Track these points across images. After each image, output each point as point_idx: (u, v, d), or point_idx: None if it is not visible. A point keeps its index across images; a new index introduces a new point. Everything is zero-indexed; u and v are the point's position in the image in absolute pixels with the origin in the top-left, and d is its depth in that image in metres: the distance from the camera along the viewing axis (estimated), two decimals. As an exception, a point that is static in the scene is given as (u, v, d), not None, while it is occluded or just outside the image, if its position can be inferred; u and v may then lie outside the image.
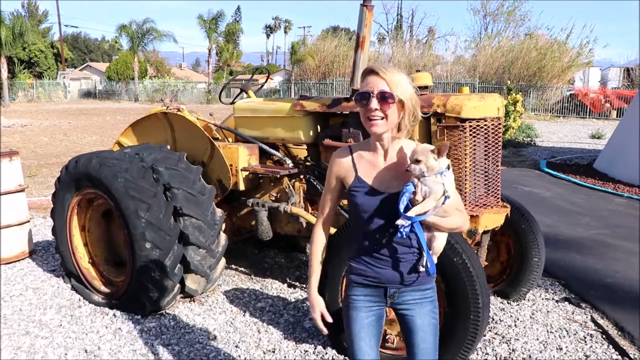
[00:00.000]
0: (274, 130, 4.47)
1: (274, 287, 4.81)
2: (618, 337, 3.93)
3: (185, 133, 4.67)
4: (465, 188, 3.53)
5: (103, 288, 4.45)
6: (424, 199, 1.97)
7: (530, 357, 3.61)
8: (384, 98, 1.99)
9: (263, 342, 3.79)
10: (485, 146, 3.64)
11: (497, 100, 3.73)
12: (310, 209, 4.50)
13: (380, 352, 3.34)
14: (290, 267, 5.37)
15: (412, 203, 1.99)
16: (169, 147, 4.63)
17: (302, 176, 4.49)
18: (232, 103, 4.93)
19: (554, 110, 30.66)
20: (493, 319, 4.14)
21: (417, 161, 1.95)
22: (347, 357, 3.51)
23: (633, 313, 4.32)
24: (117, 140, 5.08)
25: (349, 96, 4.08)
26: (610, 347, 3.79)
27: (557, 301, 4.57)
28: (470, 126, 3.50)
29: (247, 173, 4.46)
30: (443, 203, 1.98)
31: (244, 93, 5.33)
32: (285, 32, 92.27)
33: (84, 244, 4.58)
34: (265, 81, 5.85)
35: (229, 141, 4.93)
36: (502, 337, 3.88)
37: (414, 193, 1.98)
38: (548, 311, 4.36)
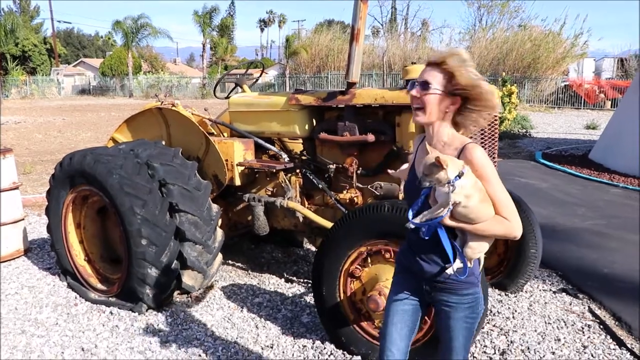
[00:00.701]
0: (270, 124, 4.45)
1: (271, 282, 4.79)
2: (615, 327, 3.93)
3: (180, 128, 4.63)
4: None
5: (99, 285, 4.43)
6: (436, 203, 1.98)
7: (528, 348, 3.61)
8: (423, 87, 1.99)
9: (261, 338, 3.78)
10: (482, 138, 3.63)
11: (494, 92, 3.72)
12: (306, 203, 4.48)
13: (378, 345, 3.35)
14: (287, 262, 5.36)
15: (430, 205, 2.01)
16: (163, 142, 4.59)
17: (298, 170, 4.47)
18: (227, 98, 4.90)
19: (548, 102, 30.70)
20: (491, 311, 4.15)
21: (425, 175, 1.94)
22: (345, 353, 3.50)
23: (630, 303, 4.33)
24: (111, 136, 5.04)
25: (344, 89, 4.05)
26: (608, 337, 3.80)
27: (554, 292, 4.58)
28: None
29: (242, 168, 4.44)
30: (446, 213, 1.94)
31: (238, 87, 5.30)
32: (280, 26, 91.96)
33: (80, 241, 4.55)
34: (260, 75, 5.82)
35: (224, 136, 4.90)
36: (501, 329, 3.89)
37: (428, 196, 2.00)
38: (546, 302, 4.37)
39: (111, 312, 4.15)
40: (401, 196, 3.84)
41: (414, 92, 2.01)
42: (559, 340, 3.74)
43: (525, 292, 4.55)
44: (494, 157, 3.75)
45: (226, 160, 4.38)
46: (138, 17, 42.63)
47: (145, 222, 3.83)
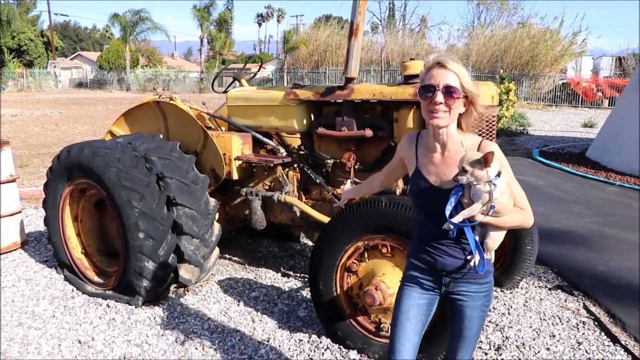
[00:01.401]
0: (268, 119, 4.45)
1: (268, 277, 4.80)
2: (610, 324, 3.96)
3: (178, 122, 4.63)
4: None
5: (96, 278, 4.43)
6: (472, 202, 1.96)
7: (523, 344, 3.63)
8: (450, 92, 1.99)
9: (257, 332, 3.79)
10: (480, 135, 3.63)
11: (492, 88, 3.73)
12: (304, 198, 4.49)
13: (374, 340, 3.38)
14: (284, 257, 5.37)
15: (461, 205, 2.00)
16: (161, 136, 4.59)
17: (295, 165, 4.48)
18: (225, 92, 4.90)
19: (546, 99, 30.70)
20: (486, 307, 4.16)
21: (464, 170, 1.93)
22: (341, 347, 3.52)
23: (625, 300, 4.35)
24: (109, 129, 5.04)
25: (342, 85, 4.06)
26: (602, 333, 3.82)
27: (550, 289, 4.60)
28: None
29: (240, 162, 4.44)
30: (488, 212, 1.96)
31: (236, 82, 5.29)
32: (278, 20, 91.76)
33: (77, 234, 4.55)
34: (258, 70, 5.81)
35: (222, 130, 4.90)
36: (496, 325, 3.91)
37: (462, 195, 1.99)
38: (541, 299, 4.39)
39: (108, 305, 4.16)
40: (398, 191, 3.85)
41: (440, 98, 1.99)
42: (554, 336, 3.76)
43: (521, 288, 4.57)
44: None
45: (224, 154, 4.39)
46: (138, 11, 42.43)
47: (142, 216, 3.83)
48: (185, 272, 4.15)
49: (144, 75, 45.37)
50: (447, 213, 1.97)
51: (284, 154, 4.44)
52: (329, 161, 4.22)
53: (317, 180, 4.27)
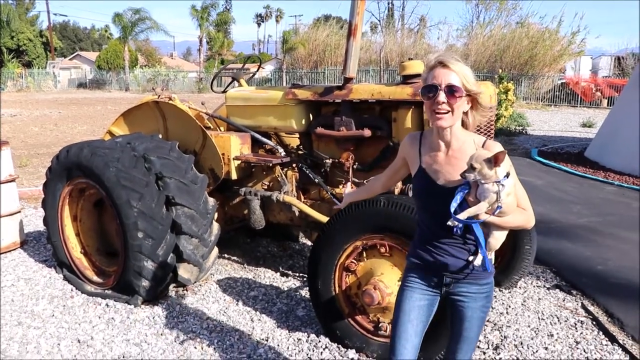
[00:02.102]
0: (266, 119, 4.46)
1: (267, 276, 4.81)
2: (608, 323, 3.97)
3: (177, 122, 4.64)
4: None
5: (95, 278, 4.44)
6: (477, 201, 1.96)
7: (521, 343, 3.64)
8: (452, 91, 1.99)
9: (256, 331, 3.80)
10: (478, 134, 3.64)
11: (490, 88, 3.73)
12: (302, 197, 4.50)
13: (373, 339, 3.39)
14: (282, 256, 5.38)
15: (466, 203, 1.99)
16: (160, 136, 4.60)
17: (294, 165, 4.48)
18: (224, 92, 4.91)
19: (545, 99, 30.71)
20: (485, 306, 4.17)
21: (473, 168, 1.92)
22: (339, 346, 3.52)
23: (623, 300, 4.36)
24: (108, 129, 5.04)
25: (341, 84, 4.07)
26: (600, 333, 3.83)
27: (548, 288, 4.61)
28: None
29: (239, 162, 4.45)
30: (494, 212, 1.97)
31: (235, 82, 5.30)
32: (277, 20, 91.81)
33: (76, 234, 4.56)
34: (257, 70, 5.82)
35: (221, 130, 4.91)
36: (494, 324, 3.92)
37: (468, 194, 1.98)
38: (539, 298, 4.40)
39: (107, 305, 4.16)
40: (397, 191, 3.86)
41: (442, 98, 1.99)
42: (552, 335, 3.77)
43: (519, 288, 4.58)
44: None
45: (223, 154, 4.39)
46: (137, 10, 42.38)
47: (141, 215, 3.84)
48: (184, 271, 4.16)
49: (143, 75, 45.33)
50: (452, 209, 1.97)
51: (283, 153, 4.45)
52: (327, 161, 4.23)
53: (316, 180, 4.27)
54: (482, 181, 1.93)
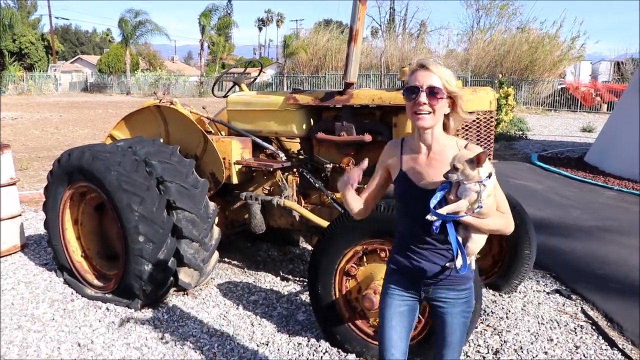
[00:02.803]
0: (267, 123, 4.47)
1: (267, 280, 4.82)
2: (607, 328, 3.97)
3: (179, 126, 4.65)
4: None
5: (96, 281, 4.45)
6: (458, 199, 1.98)
7: (521, 348, 3.65)
8: (433, 93, 2.01)
9: (256, 335, 3.81)
10: (478, 139, 3.66)
11: (490, 93, 3.75)
12: (303, 202, 4.51)
13: (372, 343, 3.39)
14: (283, 260, 5.38)
15: (446, 201, 2.00)
16: (162, 140, 4.61)
17: (295, 170, 4.50)
18: (225, 96, 4.93)
19: (545, 104, 30.77)
20: (485, 311, 4.18)
21: (455, 169, 1.95)
22: (340, 350, 3.53)
23: (622, 304, 4.37)
24: (109, 133, 5.06)
25: (342, 89, 4.08)
26: (600, 337, 3.83)
27: (548, 293, 4.62)
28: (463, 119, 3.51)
29: (240, 166, 4.46)
30: (474, 211, 1.99)
31: (236, 86, 5.32)
32: (278, 25, 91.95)
33: (77, 237, 4.57)
34: (258, 74, 5.83)
35: (222, 135, 4.92)
36: (494, 329, 3.92)
37: (449, 192, 2.00)
38: (539, 303, 4.40)
39: (107, 309, 4.17)
40: None
41: (423, 99, 2.02)
42: (552, 340, 3.77)
43: (519, 292, 4.59)
44: (489, 159, 3.77)
45: (224, 158, 4.40)
46: (136, 14, 42.47)
47: (142, 219, 3.85)
48: (185, 275, 4.17)
49: (144, 79, 45.39)
50: (432, 205, 1.98)
51: (284, 158, 4.46)
52: (328, 166, 4.24)
53: (317, 185, 4.28)
54: (465, 181, 1.95)
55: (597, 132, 14.68)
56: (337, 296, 3.49)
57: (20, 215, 5.62)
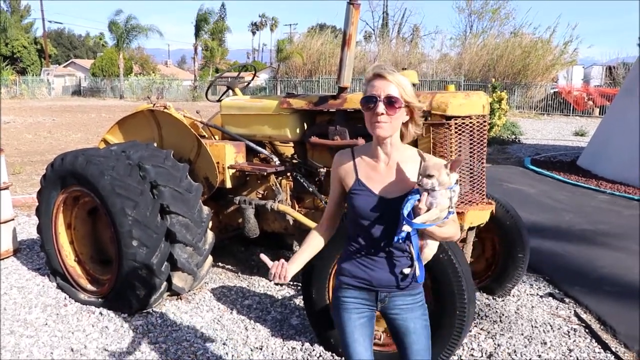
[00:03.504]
0: (261, 127, 4.48)
1: (261, 285, 4.81)
2: (601, 331, 3.99)
3: (172, 130, 4.65)
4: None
5: (89, 286, 4.43)
6: (428, 209, 1.96)
7: (515, 351, 3.66)
8: (391, 102, 1.98)
9: (250, 339, 3.80)
10: (471, 144, 3.67)
11: (483, 97, 3.77)
12: (297, 206, 4.51)
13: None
14: (277, 265, 5.36)
15: (414, 211, 1.98)
16: (155, 144, 4.61)
17: (289, 174, 4.50)
18: (219, 101, 4.93)
19: (538, 108, 30.94)
20: (478, 315, 4.19)
21: (430, 176, 1.94)
22: (334, 354, 3.53)
23: (615, 307, 4.39)
24: (103, 137, 5.05)
25: (335, 94, 4.09)
26: (593, 341, 3.85)
27: (541, 296, 4.63)
28: (456, 124, 3.53)
29: (234, 171, 4.46)
30: (446, 217, 1.99)
31: (230, 91, 5.32)
32: (272, 29, 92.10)
33: (70, 242, 4.55)
34: (252, 79, 5.84)
35: (215, 139, 4.92)
36: (488, 333, 3.93)
37: (419, 201, 1.97)
38: (532, 306, 4.42)
39: (101, 313, 4.15)
40: None
41: (381, 109, 1.99)
42: (545, 343, 3.79)
43: (513, 296, 4.60)
44: (482, 162, 3.79)
45: (217, 162, 4.40)
46: (127, 20, 42.39)
47: (136, 224, 3.84)
48: (179, 280, 4.16)
49: (138, 83, 45.31)
50: (405, 213, 1.95)
51: (277, 162, 4.47)
52: (321, 170, 4.25)
53: (310, 189, 4.29)
54: (437, 188, 1.95)
55: (590, 135, 14.75)
56: (331, 300, 3.49)
57: (13, 219, 5.59)
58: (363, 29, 54.10)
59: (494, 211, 3.86)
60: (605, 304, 4.45)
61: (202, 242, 4.20)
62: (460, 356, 3.60)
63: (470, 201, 3.69)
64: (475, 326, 4.01)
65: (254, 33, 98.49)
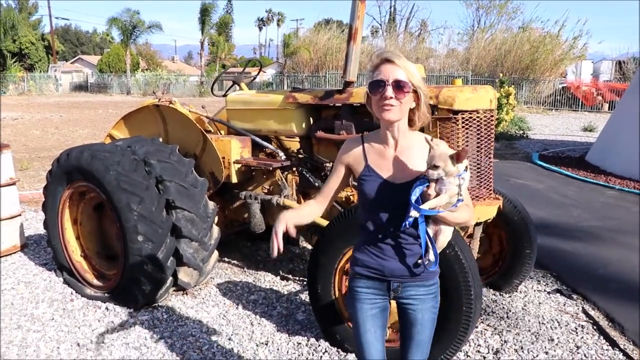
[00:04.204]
0: (267, 122, 4.46)
1: (267, 280, 4.81)
2: (609, 327, 3.96)
3: (178, 126, 4.65)
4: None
5: (95, 281, 4.44)
6: (437, 194, 1.96)
7: (522, 348, 3.63)
8: (399, 86, 1.99)
9: (256, 335, 3.79)
10: (478, 138, 3.64)
11: (490, 92, 3.73)
12: (302, 201, 4.49)
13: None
14: (282, 260, 5.37)
15: (423, 196, 1.97)
16: (161, 139, 4.60)
17: (294, 168, 4.49)
18: (225, 95, 4.91)
19: (546, 103, 30.76)
20: (485, 311, 4.17)
21: (436, 167, 1.93)
22: (339, 350, 3.52)
23: (624, 304, 4.35)
24: (108, 133, 5.05)
25: (341, 88, 4.07)
26: (601, 337, 3.82)
27: (548, 293, 4.60)
28: (463, 118, 3.50)
29: (239, 166, 4.45)
30: (455, 205, 1.98)
31: (236, 85, 5.31)
32: (278, 24, 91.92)
33: (76, 237, 4.56)
34: (258, 74, 5.82)
35: (221, 134, 4.91)
36: (494, 329, 3.91)
37: (428, 187, 1.97)
38: (540, 303, 4.39)
39: (107, 308, 4.16)
40: None
41: (389, 92, 1.99)
42: (553, 340, 3.76)
43: (520, 292, 4.57)
44: (490, 157, 3.76)
45: (223, 157, 4.39)
46: (131, 16, 42.40)
47: (141, 219, 3.84)
48: (184, 275, 4.16)
49: (145, 79, 45.41)
50: (413, 199, 1.95)
51: (283, 157, 4.45)
52: (327, 164, 4.23)
53: (316, 184, 4.27)
54: (444, 178, 1.94)
55: (598, 131, 14.65)
56: (337, 295, 3.48)
57: (20, 215, 5.61)
58: (370, 24, 54.02)
59: (501, 207, 3.83)
60: (613, 301, 4.41)
61: (208, 237, 4.19)
62: (467, 352, 3.58)
63: (477, 196, 3.66)
64: (482, 322, 3.98)
65: (260, 28, 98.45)
